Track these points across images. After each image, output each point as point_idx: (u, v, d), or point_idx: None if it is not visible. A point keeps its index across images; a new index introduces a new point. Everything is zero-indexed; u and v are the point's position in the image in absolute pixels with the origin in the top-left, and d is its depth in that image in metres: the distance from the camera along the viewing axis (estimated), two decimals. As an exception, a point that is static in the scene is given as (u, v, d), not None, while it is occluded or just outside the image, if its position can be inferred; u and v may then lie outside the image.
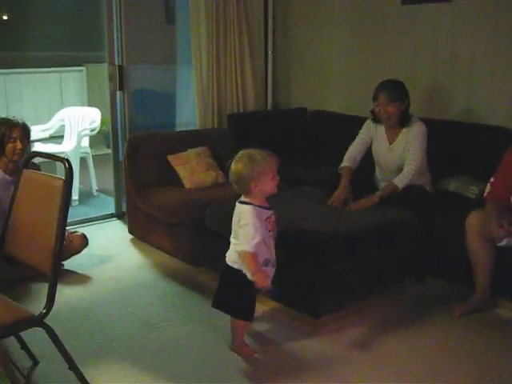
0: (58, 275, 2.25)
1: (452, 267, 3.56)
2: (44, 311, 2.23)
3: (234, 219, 2.85)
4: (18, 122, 3.58)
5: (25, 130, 3.60)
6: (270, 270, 2.79)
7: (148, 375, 2.73)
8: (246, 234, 2.70)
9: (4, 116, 3.65)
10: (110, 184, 5.30)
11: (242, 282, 2.75)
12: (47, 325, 2.27)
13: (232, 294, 2.85)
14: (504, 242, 3.19)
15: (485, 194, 3.36)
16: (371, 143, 4.08)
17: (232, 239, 2.86)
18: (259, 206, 2.78)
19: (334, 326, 3.18)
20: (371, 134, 4.07)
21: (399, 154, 3.90)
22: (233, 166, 2.83)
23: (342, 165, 4.02)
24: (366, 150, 4.09)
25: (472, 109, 4.28)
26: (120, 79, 4.74)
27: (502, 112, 4.04)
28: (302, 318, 3.21)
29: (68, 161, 2.24)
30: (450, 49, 4.32)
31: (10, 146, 3.52)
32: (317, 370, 2.78)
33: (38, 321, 2.24)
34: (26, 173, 2.52)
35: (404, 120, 3.88)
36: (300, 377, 2.73)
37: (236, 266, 2.79)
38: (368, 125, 4.09)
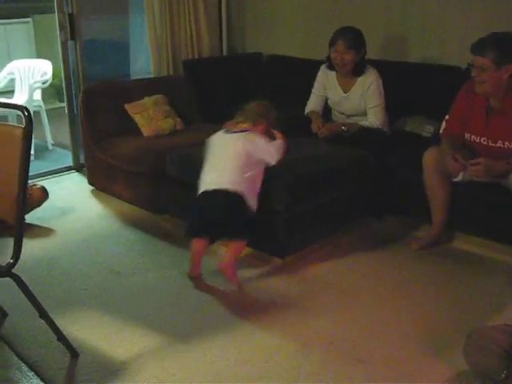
0: (23, 224, 2.24)
1: (409, 204, 3.66)
2: (11, 261, 2.22)
3: (218, 148, 3.10)
4: None
5: None
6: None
7: (118, 321, 2.76)
8: (273, 146, 3.06)
9: None
10: (65, 138, 5.23)
11: (242, 202, 2.94)
12: (15, 274, 2.26)
13: (236, 217, 2.96)
14: (459, 178, 3.29)
15: (440, 131, 3.45)
16: (325, 92, 4.13)
17: (215, 170, 3.03)
18: None
19: (299, 264, 3.26)
20: (324, 82, 4.12)
21: (356, 102, 3.96)
22: (252, 104, 3.18)
23: (307, 111, 4.15)
24: (324, 103, 4.17)
25: (425, 50, 4.32)
26: (71, 28, 4.61)
27: (454, 52, 4.09)
28: (268, 259, 3.28)
29: (27, 108, 2.20)
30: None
31: None
32: (282, 308, 2.87)
33: (6, 271, 2.23)
34: (-17, 124, 2.47)
35: (359, 69, 3.92)
36: (267, 314, 2.81)
37: (236, 189, 2.93)
38: (322, 73, 4.13)
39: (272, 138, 3.14)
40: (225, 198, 2.95)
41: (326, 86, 4.12)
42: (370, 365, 2.42)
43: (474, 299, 2.92)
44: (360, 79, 3.92)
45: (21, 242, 2.24)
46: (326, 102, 4.18)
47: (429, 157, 3.34)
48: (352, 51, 3.85)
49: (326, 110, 4.21)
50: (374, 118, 3.89)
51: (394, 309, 2.84)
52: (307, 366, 2.42)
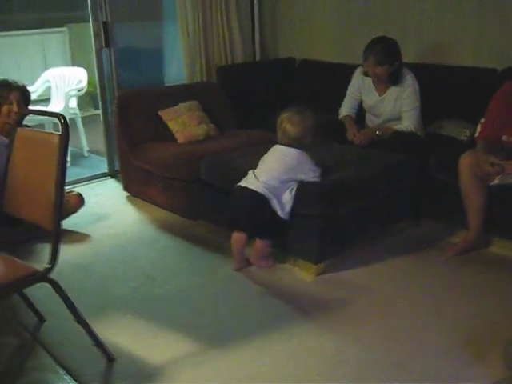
0: (60, 230, 2.27)
1: (446, 208, 3.61)
2: (49, 266, 2.25)
3: (269, 156, 3.22)
4: (17, 86, 3.56)
5: (24, 94, 3.59)
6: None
7: (154, 326, 2.78)
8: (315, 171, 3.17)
9: (4, 78, 3.60)
10: (101, 144, 5.30)
11: (268, 208, 3.12)
12: (52, 279, 2.30)
13: (260, 218, 3.17)
14: (496, 181, 3.23)
15: (476, 135, 3.39)
16: (360, 95, 4.12)
17: (258, 171, 3.21)
18: None
19: (334, 270, 3.24)
20: (359, 87, 4.11)
21: (391, 105, 3.95)
22: (288, 126, 3.14)
23: (341, 115, 4.16)
24: (359, 106, 4.15)
25: (461, 53, 4.27)
26: (105, 36, 4.68)
27: (489, 54, 4.03)
28: (302, 264, 3.26)
29: (63, 116, 2.24)
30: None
31: (5, 107, 3.49)
32: (318, 312, 2.85)
33: (43, 276, 2.26)
34: (21, 131, 2.51)
35: (394, 79, 3.90)
36: (303, 318, 2.80)
37: (264, 193, 3.11)
38: (356, 77, 4.12)
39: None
40: (249, 197, 3.13)
41: (360, 90, 4.11)
42: (408, 371, 2.39)
43: (510, 306, 2.86)
44: (395, 87, 3.92)
45: (58, 247, 2.27)
46: (361, 106, 4.16)
47: (464, 161, 3.29)
48: (384, 66, 3.83)
49: (361, 115, 4.18)
50: (409, 122, 3.86)
51: (430, 315, 2.80)
52: (344, 372, 2.40)
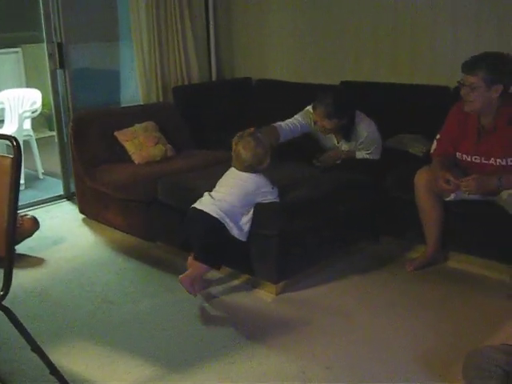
0: (13, 255, 2.20)
1: (404, 225, 3.65)
2: (1, 293, 2.17)
3: (226, 180, 3.16)
4: None
5: None
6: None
7: (112, 351, 2.71)
8: (274, 193, 3.13)
9: None
10: (56, 166, 5.20)
11: (222, 232, 3.04)
12: (6, 307, 2.21)
13: (211, 242, 3.07)
14: (452, 197, 3.28)
15: (431, 151, 3.44)
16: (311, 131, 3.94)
17: (215, 194, 3.13)
18: None
19: (294, 289, 3.23)
20: (309, 126, 3.88)
21: (350, 148, 3.93)
22: (242, 152, 3.07)
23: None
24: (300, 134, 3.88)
25: (416, 70, 4.35)
26: (60, 57, 4.61)
27: (444, 72, 4.11)
28: (261, 284, 3.25)
29: (15, 138, 2.17)
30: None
31: None
32: (279, 332, 2.83)
33: (-4, 304, 2.19)
34: (-28, 154, 2.44)
35: (345, 134, 3.83)
36: (264, 339, 2.77)
37: (219, 217, 3.03)
38: (307, 114, 3.88)
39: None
40: (203, 220, 3.05)
41: (312, 130, 3.91)
42: (368, 389, 2.39)
43: (471, 319, 2.90)
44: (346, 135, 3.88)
45: (11, 273, 2.19)
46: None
47: (420, 177, 3.34)
48: (333, 120, 3.69)
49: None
50: (373, 156, 3.88)
51: (391, 331, 2.82)
52: (305, 393, 2.39)
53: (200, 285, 3.18)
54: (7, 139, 2.23)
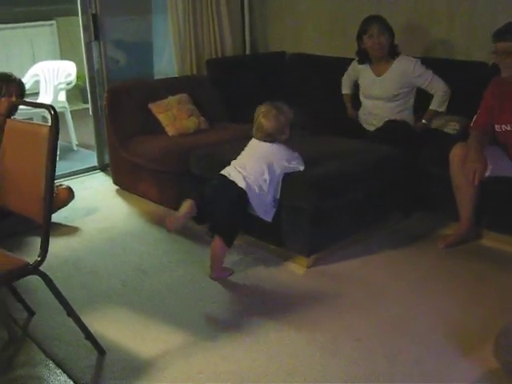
0: (50, 223, 2.25)
1: (437, 201, 3.62)
2: (39, 259, 2.23)
3: (248, 151, 3.16)
4: (15, 78, 3.57)
5: (21, 87, 3.58)
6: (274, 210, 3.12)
7: (145, 319, 2.76)
8: (300, 161, 3.14)
9: (1, 71, 3.59)
10: (90, 138, 5.27)
11: (245, 206, 3.02)
12: (43, 272, 2.28)
13: (234, 217, 3.04)
14: (487, 173, 3.24)
15: (471, 124, 3.42)
16: (357, 81, 4.23)
17: (240, 168, 3.09)
18: None
19: (326, 261, 3.24)
20: (356, 74, 4.22)
21: (388, 85, 3.99)
22: (263, 120, 3.05)
23: (344, 91, 4.39)
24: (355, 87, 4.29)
25: (451, 46, 4.28)
26: (95, 29, 4.65)
27: (481, 48, 4.04)
28: (293, 257, 3.26)
29: (53, 107, 2.22)
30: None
31: (3, 99, 3.47)
32: (311, 304, 2.85)
33: (34, 269, 2.24)
34: (11, 122, 2.49)
35: (394, 50, 4.01)
36: (296, 310, 2.79)
37: (246, 190, 2.99)
38: (353, 66, 4.25)
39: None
40: (230, 190, 3.02)
41: (358, 77, 4.22)
42: (398, 363, 2.39)
43: (502, 297, 2.87)
44: (396, 62, 3.98)
45: (48, 240, 2.25)
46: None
47: (455, 153, 3.31)
48: (386, 32, 3.95)
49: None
50: (437, 87, 3.90)
51: (421, 307, 2.81)
52: (335, 363, 2.40)
53: (227, 269, 3.17)
54: (45, 108, 2.28)
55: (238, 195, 3.00)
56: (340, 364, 2.40)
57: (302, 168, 3.12)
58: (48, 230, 2.25)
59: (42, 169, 2.22)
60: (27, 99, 5.75)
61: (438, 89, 3.89)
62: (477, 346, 2.48)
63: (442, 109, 3.90)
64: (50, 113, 2.22)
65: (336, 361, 2.42)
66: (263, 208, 3.06)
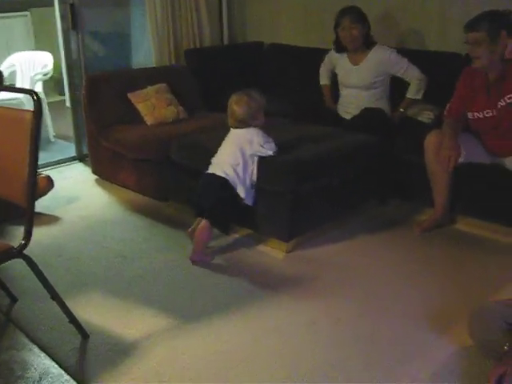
0: (34, 206, 2.27)
1: (412, 187, 3.70)
2: (23, 242, 2.25)
3: (225, 142, 3.27)
4: None
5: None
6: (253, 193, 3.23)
7: (127, 303, 2.80)
8: (272, 144, 3.21)
9: None
10: (67, 130, 5.29)
11: (231, 193, 3.14)
12: (27, 256, 2.30)
13: (224, 208, 3.16)
14: (461, 160, 3.32)
15: (445, 112, 3.50)
16: (334, 70, 4.30)
17: (217, 158, 3.25)
18: None
19: (304, 247, 3.31)
20: (333, 63, 4.28)
21: (364, 74, 4.06)
22: (235, 107, 3.18)
23: (322, 82, 4.41)
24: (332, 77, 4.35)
25: (425, 36, 4.36)
26: (72, 18, 4.64)
27: (454, 38, 4.12)
28: (272, 242, 3.32)
29: (36, 92, 2.24)
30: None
31: None
32: (290, 287, 2.92)
33: (18, 252, 2.26)
34: (-7, 109, 2.50)
35: (368, 41, 4.06)
36: (276, 293, 2.85)
37: (226, 177, 3.14)
38: (330, 55, 4.31)
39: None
40: (214, 182, 3.17)
41: (335, 65, 4.28)
42: (376, 341, 2.46)
43: (476, 278, 2.96)
44: (372, 52, 4.04)
45: (32, 223, 2.27)
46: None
47: (430, 140, 3.39)
48: (358, 25, 4.00)
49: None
50: (413, 75, 3.97)
51: (398, 288, 2.89)
52: (316, 342, 2.47)
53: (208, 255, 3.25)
54: (28, 93, 2.30)
55: (220, 184, 3.13)
56: (322, 342, 2.47)
57: (270, 153, 3.20)
58: (32, 213, 2.27)
59: (26, 154, 2.24)
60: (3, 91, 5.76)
61: (414, 77, 3.96)
62: (452, 324, 2.57)
63: (419, 96, 3.97)
64: (33, 98, 2.23)
65: (318, 339, 2.49)
66: (245, 191, 3.16)
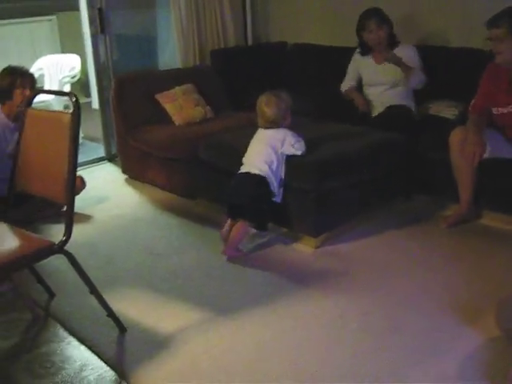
0: (74, 203, 2.37)
1: (438, 183, 3.74)
2: (64, 238, 2.36)
3: (254, 142, 3.33)
4: (27, 71, 3.71)
5: (34, 79, 3.71)
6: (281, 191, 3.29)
7: (161, 298, 2.89)
8: (301, 144, 3.26)
9: (12, 65, 3.71)
10: (94, 131, 5.38)
11: (267, 190, 3.21)
12: (68, 252, 2.40)
13: (260, 205, 3.23)
14: (486, 155, 3.36)
15: (469, 109, 3.53)
16: (359, 71, 4.32)
17: (248, 157, 3.31)
18: None
19: (333, 242, 3.37)
20: (357, 65, 4.32)
21: (393, 71, 4.07)
22: (265, 109, 3.24)
23: (344, 88, 4.38)
24: (359, 81, 4.35)
25: (446, 33, 4.39)
26: (101, 22, 4.75)
27: (476, 34, 4.14)
28: (301, 238, 3.39)
29: (75, 94, 2.34)
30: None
31: (18, 91, 3.60)
32: (319, 282, 2.98)
33: (59, 248, 2.36)
34: (32, 111, 2.60)
35: (393, 40, 4.13)
36: (305, 287, 2.92)
37: (263, 174, 3.20)
38: (355, 59, 4.35)
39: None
40: (249, 180, 3.23)
41: (360, 68, 4.31)
42: (404, 334, 2.51)
43: (502, 272, 3.00)
44: (397, 50, 4.07)
45: (72, 220, 2.39)
46: (360, 83, 4.36)
47: (455, 137, 3.42)
48: (384, 26, 4.08)
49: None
50: (419, 75, 4.01)
51: (425, 282, 2.94)
52: (344, 335, 2.53)
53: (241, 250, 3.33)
54: (67, 96, 2.40)
55: (256, 182, 3.20)
56: (349, 336, 2.53)
57: (299, 153, 3.26)
58: (72, 210, 2.39)
59: (65, 153, 2.34)
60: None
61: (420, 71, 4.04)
62: (479, 317, 2.60)
63: (415, 73, 4.00)
64: (72, 100, 2.34)
65: (345, 333, 2.55)
66: (277, 189, 3.24)
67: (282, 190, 3.29)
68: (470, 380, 2.22)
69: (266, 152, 3.23)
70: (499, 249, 3.24)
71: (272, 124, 3.26)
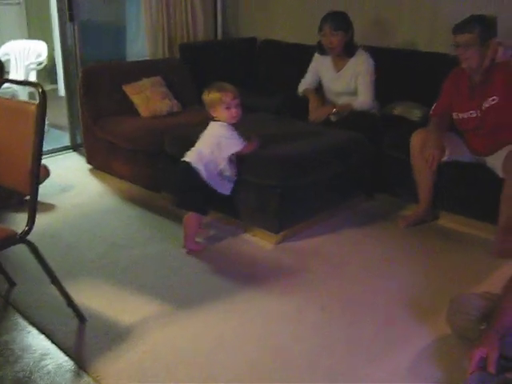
0: (37, 194, 2.37)
1: (398, 183, 3.84)
2: (26, 228, 2.36)
3: (206, 132, 3.34)
4: None
5: (2, 66, 3.70)
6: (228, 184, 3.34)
7: (122, 289, 2.91)
8: (235, 141, 3.28)
9: None
10: (59, 119, 5.35)
11: (202, 182, 3.21)
12: (31, 242, 2.40)
13: (194, 192, 3.25)
14: (444, 158, 3.46)
15: (430, 112, 3.62)
16: (319, 74, 4.32)
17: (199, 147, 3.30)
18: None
19: (292, 239, 3.43)
20: (318, 66, 4.31)
21: (347, 81, 4.12)
22: (225, 87, 3.32)
23: (301, 89, 4.34)
24: (318, 83, 4.35)
25: (414, 37, 4.47)
26: (69, 10, 4.71)
27: (442, 39, 4.23)
28: (261, 234, 3.44)
29: (41, 85, 2.34)
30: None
31: None
32: (278, 277, 3.04)
33: (21, 238, 2.37)
34: (-3, 100, 2.59)
35: (349, 49, 4.10)
36: (264, 283, 2.97)
37: (191, 161, 3.22)
38: (315, 58, 4.34)
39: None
40: (185, 169, 3.24)
41: (319, 69, 4.30)
42: (360, 329, 2.59)
43: (456, 271, 3.10)
44: (352, 59, 4.10)
45: (35, 210, 2.38)
46: (320, 85, 4.36)
47: (416, 138, 3.51)
48: (339, 32, 4.04)
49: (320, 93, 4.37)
50: (364, 97, 4.06)
51: (381, 279, 3.02)
52: (302, 329, 2.60)
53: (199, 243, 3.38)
54: (33, 86, 2.40)
55: (186, 169, 3.22)
56: (306, 329, 2.59)
57: (236, 149, 3.27)
58: (35, 200, 2.38)
59: (30, 144, 2.33)
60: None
61: (361, 99, 4.07)
62: (433, 313, 2.70)
63: (356, 106, 4.06)
64: (38, 90, 2.33)
65: (302, 327, 2.61)
66: (214, 180, 3.26)
67: (227, 183, 3.32)
68: (423, 373, 2.31)
69: (203, 142, 3.28)
70: (454, 249, 3.34)
71: (236, 98, 3.27)
